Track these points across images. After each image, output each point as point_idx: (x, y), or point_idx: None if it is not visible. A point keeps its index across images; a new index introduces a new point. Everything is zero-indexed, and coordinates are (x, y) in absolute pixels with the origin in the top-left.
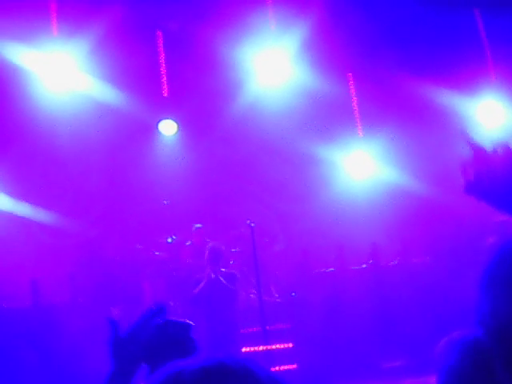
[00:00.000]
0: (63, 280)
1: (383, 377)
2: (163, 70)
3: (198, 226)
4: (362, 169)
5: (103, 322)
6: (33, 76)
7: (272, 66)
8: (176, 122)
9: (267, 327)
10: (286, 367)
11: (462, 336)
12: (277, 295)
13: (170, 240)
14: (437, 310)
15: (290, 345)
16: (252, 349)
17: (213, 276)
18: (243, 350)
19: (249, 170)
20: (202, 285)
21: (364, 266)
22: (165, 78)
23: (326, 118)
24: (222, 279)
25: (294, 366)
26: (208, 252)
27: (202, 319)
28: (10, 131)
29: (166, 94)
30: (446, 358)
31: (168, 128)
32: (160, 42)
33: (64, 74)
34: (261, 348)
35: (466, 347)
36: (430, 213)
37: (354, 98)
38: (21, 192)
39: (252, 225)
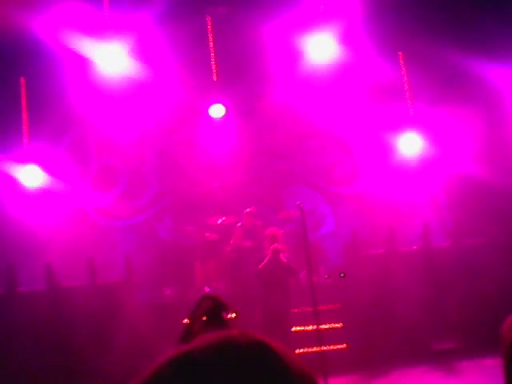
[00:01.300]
0: (118, 260)
1: (434, 359)
2: (213, 54)
3: (249, 209)
4: (413, 148)
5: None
6: (88, 62)
7: (321, 47)
8: (224, 105)
9: (317, 307)
10: (335, 347)
11: None
12: (326, 276)
13: (219, 221)
14: (490, 292)
15: (340, 325)
16: (302, 328)
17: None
18: (294, 329)
19: (296, 151)
20: (264, 262)
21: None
22: (214, 63)
23: (376, 97)
24: (283, 259)
25: (344, 345)
26: (268, 235)
27: (260, 295)
28: (66, 115)
29: (215, 79)
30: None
31: (217, 112)
32: (209, 27)
33: (117, 60)
34: (311, 327)
35: None
36: (484, 193)
37: (406, 77)
38: (75, 174)
39: (301, 206)
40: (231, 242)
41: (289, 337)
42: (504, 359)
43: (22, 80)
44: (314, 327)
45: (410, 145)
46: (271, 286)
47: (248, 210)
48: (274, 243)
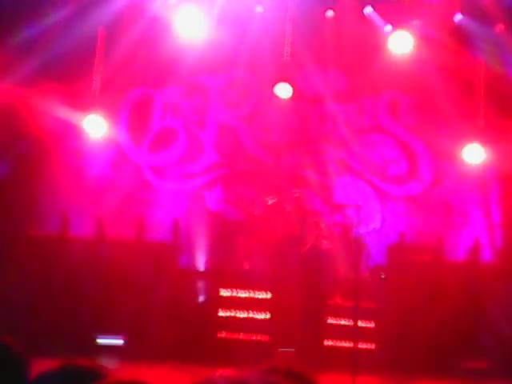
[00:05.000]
0: (165, 222)
1: (462, 376)
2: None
3: (297, 192)
4: (475, 160)
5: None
6: (166, 23)
7: (401, 43)
8: (292, 86)
9: (358, 303)
10: (365, 345)
11: None
12: (366, 274)
13: (269, 202)
14: None
15: (372, 324)
16: (335, 322)
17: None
18: (329, 320)
19: (355, 143)
20: (307, 247)
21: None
22: (289, 42)
23: (448, 101)
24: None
25: (373, 346)
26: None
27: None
28: (137, 72)
29: (287, 58)
30: None
31: (284, 91)
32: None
33: (196, 24)
34: (344, 322)
35: None
36: None
37: (483, 86)
38: (137, 131)
39: (360, 205)
40: (275, 225)
41: (322, 326)
42: None
43: (102, 31)
44: (349, 322)
45: (472, 155)
46: (312, 273)
47: (297, 194)
48: (317, 231)
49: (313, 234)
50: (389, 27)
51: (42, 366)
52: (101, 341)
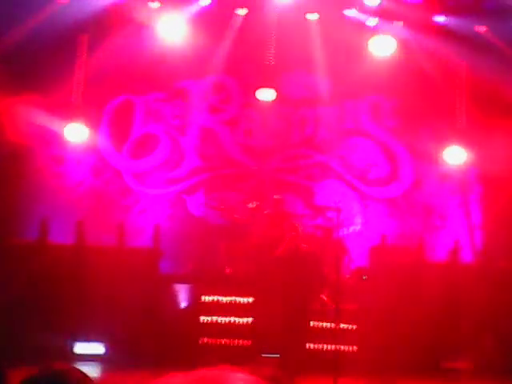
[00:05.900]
0: (146, 227)
1: (441, 376)
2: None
3: (277, 196)
4: (456, 161)
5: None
6: (146, 28)
7: (382, 46)
8: (274, 90)
9: (339, 306)
10: (346, 348)
11: None
12: (347, 276)
13: (250, 205)
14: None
15: (354, 326)
16: (318, 325)
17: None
18: (312, 323)
19: (336, 147)
20: (281, 249)
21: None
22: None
23: (428, 104)
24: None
25: (355, 348)
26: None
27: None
28: (117, 79)
29: (271, 62)
30: None
31: (265, 95)
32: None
33: (176, 29)
34: (327, 325)
35: None
36: None
37: (465, 88)
38: (117, 137)
39: (340, 207)
40: (256, 229)
41: (305, 329)
42: None
43: (84, 38)
44: (331, 325)
45: (453, 157)
46: (294, 276)
47: (276, 197)
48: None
49: (288, 236)
50: (372, 21)
51: (18, 375)
52: (80, 348)
